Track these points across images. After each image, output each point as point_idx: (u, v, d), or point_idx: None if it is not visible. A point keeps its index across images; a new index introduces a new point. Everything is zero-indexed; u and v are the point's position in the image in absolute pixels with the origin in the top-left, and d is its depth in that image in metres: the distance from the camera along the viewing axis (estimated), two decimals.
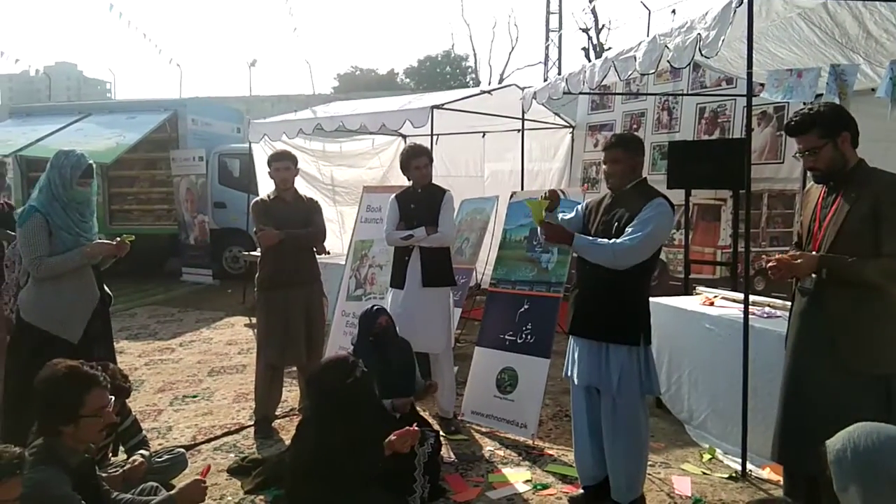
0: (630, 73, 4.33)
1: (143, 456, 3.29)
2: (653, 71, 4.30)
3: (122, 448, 3.48)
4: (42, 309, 3.38)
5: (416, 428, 3.14)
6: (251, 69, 59.45)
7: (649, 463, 3.38)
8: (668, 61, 3.98)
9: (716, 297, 4.44)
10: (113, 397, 2.64)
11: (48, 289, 3.38)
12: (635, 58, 4.19)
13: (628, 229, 2.99)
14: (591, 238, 3.08)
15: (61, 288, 3.38)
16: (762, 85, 4.40)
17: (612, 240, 3.00)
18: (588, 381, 3.15)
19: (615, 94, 7.80)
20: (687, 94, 7.19)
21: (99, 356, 3.51)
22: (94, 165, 3.55)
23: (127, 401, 3.55)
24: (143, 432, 3.56)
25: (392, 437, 2.99)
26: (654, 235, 3.00)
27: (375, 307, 4.00)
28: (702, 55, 3.76)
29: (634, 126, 7.70)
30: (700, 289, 4.72)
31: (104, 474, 2.92)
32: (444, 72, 42.36)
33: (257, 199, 4.53)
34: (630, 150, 3.13)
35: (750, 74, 3.57)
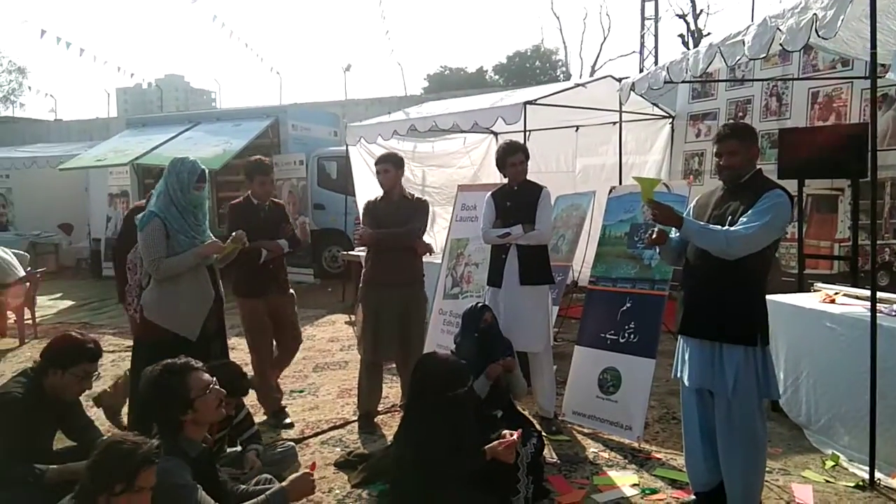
0: (738, 58, 4.11)
1: (255, 450, 3.45)
2: (763, 55, 4.06)
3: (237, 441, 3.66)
4: (163, 308, 3.60)
5: (519, 431, 3.11)
6: (346, 74, 61.01)
7: (766, 469, 3.20)
8: (780, 44, 3.76)
9: (837, 293, 4.15)
10: (215, 379, 2.76)
11: (168, 289, 3.59)
12: (743, 42, 3.98)
13: (742, 219, 2.84)
14: (701, 223, 2.92)
15: (180, 289, 3.58)
16: (883, 66, 4.07)
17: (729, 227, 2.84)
18: (700, 384, 3.01)
19: (719, 80, 7.44)
20: (798, 79, 6.76)
21: (215, 353, 3.71)
22: (204, 170, 3.75)
23: None
24: (256, 426, 3.73)
25: (497, 444, 2.98)
26: (771, 225, 2.82)
27: (480, 304, 4.01)
28: (818, 36, 3.52)
29: (740, 114, 7.33)
30: (818, 285, 4.43)
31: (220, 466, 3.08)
32: (534, 67, 41.95)
33: (367, 200, 4.69)
34: (746, 141, 2.96)
35: (874, 55, 3.31)
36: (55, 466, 2.84)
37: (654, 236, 3.08)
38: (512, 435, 3.02)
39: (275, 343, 4.68)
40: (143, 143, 10.98)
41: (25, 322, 7.35)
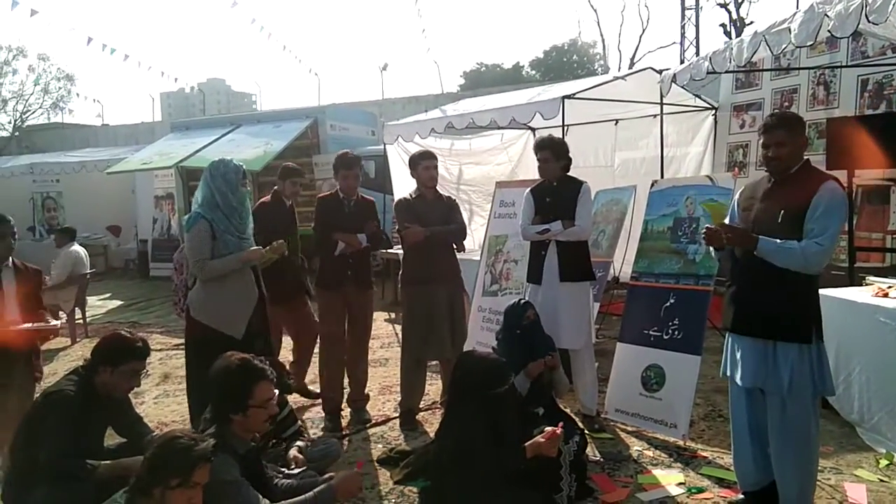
0: (784, 46, 4.01)
1: (299, 446, 3.49)
2: (810, 43, 3.96)
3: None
4: (208, 308, 3.67)
5: (560, 424, 3.09)
6: (383, 73, 61.40)
7: (818, 468, 3.11)
8: (828, 31, 3.64)
9: (890, 287, 4.01)
10: (277, 391, 2.81)
11: (213, 289, 3.65)
12: (790, 30, 3.88)
13: (809, 226, 2.75)
14: (777, 241, 2.80)
15: (225, 289, 3.64)
16: None
17: (804, 242, 2.75)
18: (754, 383, 2.92)
19: (764, 70, 7.25)
20: (846, 66, 6.55)
21: (258, 351, 3.76)
22: (245, 170, 3.82)
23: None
24: (299, 422, 3.77)
25: (540, 438, 2.96)
26: (839, 227, 2.77)
27: (522, 301, 3.98)
28: (868, 22, 3.41)
29: (786, 103, 7.13)
30: (870, 279, 4.29)
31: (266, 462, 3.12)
32: (571, 61, 41.54)
33: (401, 198, 4.65)
34: (794, 131, 2.87)
35: None
36: (107, 462, 2.92)
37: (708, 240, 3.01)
38: (555, 429, 3.00)
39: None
40: (187, 146, 11.21)
41: (77, 322, 7.60)
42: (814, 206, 2.75)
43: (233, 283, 3.65)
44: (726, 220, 3.18)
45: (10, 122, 32.16)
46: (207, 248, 3.60)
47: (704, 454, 3.80)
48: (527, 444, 2.97)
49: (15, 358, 3.56)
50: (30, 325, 3.63)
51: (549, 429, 3.03)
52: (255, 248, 3.75)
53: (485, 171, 8.91)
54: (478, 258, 5.97)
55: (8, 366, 3.52)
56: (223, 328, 3.61)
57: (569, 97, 6.30)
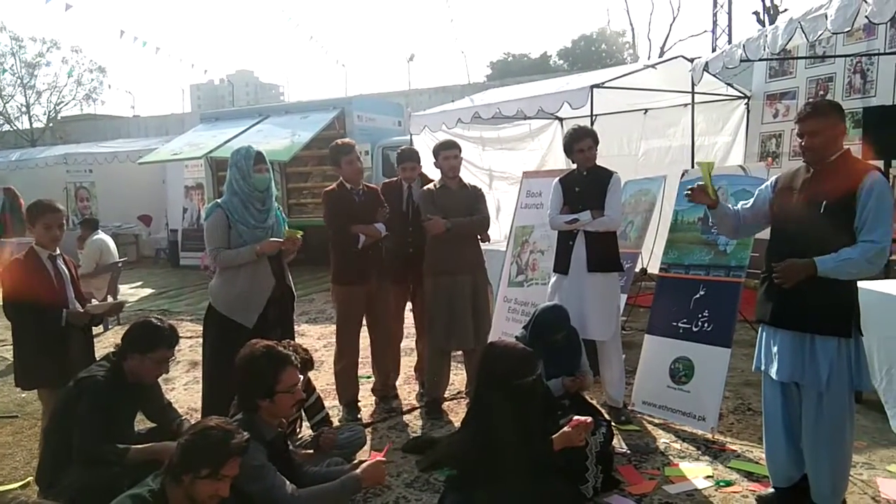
0: (820, 33, 3.92)
1: (324, 432, 3.51)
2: (847, 29, 3.86)
3: (307, 424, 3.75)
4: (223, 296, 3.73)
5: (590, 418, 3.07)
6: (409, 64, 61.47)
7: (851, 463, 3.05)
8: (865, 17, 3.55)
9: None
10: (301, 376, 2.84)
11: (227, 278, 3.72)
12: (826, 16, 3.78)
13: (862, 221, 2.66)
14: (832, 256, 2.70)
15: (238, 278, 3.68)
16: None
17: (858, 246, 2.67)
18: (791, 377, 2.86)
19: (798, 58, 7.08)
20: (885, 54, 6.37)
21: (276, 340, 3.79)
22: (265, 153, 3.79)
23: (310, 380, 3.82)
24: (326, 409, 3.80)
25: (567, 428, 2.94)
26: (891, 221, 2.67)
27: (557, 318, 3.75)
28: None
29: (822, 92, 6.96)
30: None
31: (294, 448, 3.16)
32: (600, 50, 41.05)
33: (424, 188, 4.62)
34: (830, 119, 2.78)
35: None
36: (137, 446, 2.97)
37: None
38: (582, 418, 2.98)
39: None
40: (216, 137, 11.34)
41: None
42: (861, 199, 2.66)
43: (245, 273, 3.67)
44: (750, 202, 3.13)
45: (44, 114, 32.82)
46: (223, 237, 3.66)
47: (733, 447, 3.74)
48: (554, 436, 2.95)
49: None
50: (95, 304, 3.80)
51: (577, 418, 3.01)
52: (273, 239, 3.71)
53: (517, 157, 8.81)
54: (503, 248, 5.94)
55: None
56: (235, 317, 3.66)
57: (597, 86, 6.22)
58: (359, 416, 4.48)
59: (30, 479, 3.57)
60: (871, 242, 2.64)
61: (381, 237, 4.43)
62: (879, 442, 3.70)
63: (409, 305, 5.10)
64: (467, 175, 7.99)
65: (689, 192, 3.10)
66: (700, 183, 3.08)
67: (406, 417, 4.46)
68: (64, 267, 3.67)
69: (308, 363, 3.45)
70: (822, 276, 2.69)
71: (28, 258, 3.57)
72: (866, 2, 3.50)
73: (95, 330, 7.31)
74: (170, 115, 28.18)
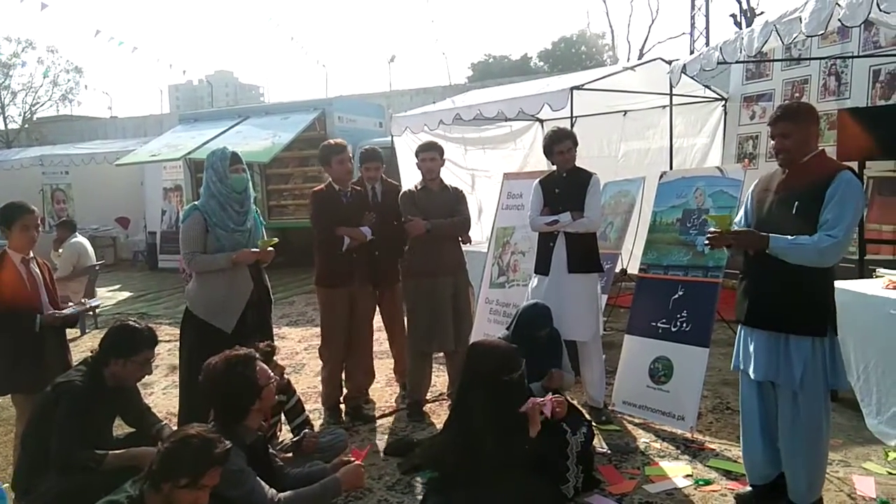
0: (795, 36, 3.97)
1: (306, 435, 3.50)
2: (821, 32, 3.90)
3: (287, 427, 3.73)
4: (201, 300, 3.68)
5: (549, 396, 3.13)
6: (390, 65, 61.29)
7: (827, 461, 3.09)
8: (839, 20, 3.60)
9: None
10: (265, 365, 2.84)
11: (205, 282, 3.67)
12: (800, 19, 3.83)
13: (826, 216, 2.70)
14: (788, 238, 2.76)
15: (216, 282, 3.64)
16: None
17: (815, 236, 2.70)
18: (766, 376, 2.90)
19: (774, 60, 7.18)
20: (858, 56, 6.48)
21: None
22: (245, 155, 3.77)
23: (291, 383, 3.80)
24: (306, 413, 3.79)
25: (522, 409, 3.01)
26: (855, 220, 2.73)
27: (541, 315, 3.83)
28: (880, 10, 3.37)
29: (797, 94, 7.06)
30: (881, 271, 4.24)
31: (274, 451, 3.14)
32: (580, 52, 41.24)
33: (405, 189, 4.61)
34: (800, 122, 2.82)
35: None
36: (115, 451, 2.94)
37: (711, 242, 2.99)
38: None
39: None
40: (195, 138, 11.22)
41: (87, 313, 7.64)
42: (828, 194, 2.71)
43: (223, 277, 3.63)
44: (739, 215, 3.16)
45: (19, 115, 32.33)
46: (198, 241, 3.60)
47: (712, 446, 3.79)
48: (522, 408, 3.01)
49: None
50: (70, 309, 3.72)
51: (531, 400, 3.08)
52: (245, 249, 3.64)
53: (499, 156, 8.82)
54: (485, 250, 5.95)
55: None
56: (214, 321, 3.61)
57: (577, 88, 6.25)
58: (341, 418, 4.46)
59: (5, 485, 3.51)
60: (829, 236, 2.68)
61: (366, 241, 4.40)
62: (855, 440, 3.76)
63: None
64: (450, 176, 8.02)
65: (708, 236, 2.99)
66: (714, 230, 2.99)
67: (388, 420, 4.45)
68: (38, 270, 3.62)
69: (269, 353, 3.38)
70: (791, 271, 2.74)
71: (0, 262, 3.51)
72: (839, 5, 3.55)
73: (72, 333, 7.26)
74: (148, 116, 27.85)
